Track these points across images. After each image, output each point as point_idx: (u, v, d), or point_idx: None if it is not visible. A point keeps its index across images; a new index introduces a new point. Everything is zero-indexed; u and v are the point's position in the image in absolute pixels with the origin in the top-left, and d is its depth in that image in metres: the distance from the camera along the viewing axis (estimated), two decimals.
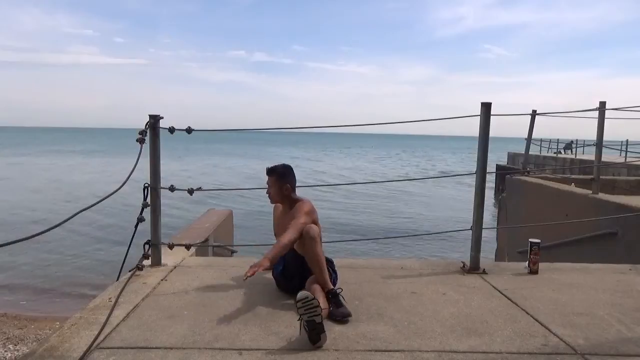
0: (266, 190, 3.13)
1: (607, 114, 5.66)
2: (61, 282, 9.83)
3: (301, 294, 2.24)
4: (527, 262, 3.63)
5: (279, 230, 3.23)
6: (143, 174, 3.39)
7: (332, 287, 2.73)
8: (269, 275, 3.24)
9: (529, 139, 7.88)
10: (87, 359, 2.06)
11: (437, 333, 2.42)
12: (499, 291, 3.14)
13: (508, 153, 28.87)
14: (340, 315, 2.54)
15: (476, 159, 3.60)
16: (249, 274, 2.45)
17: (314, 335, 2.18)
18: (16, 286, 9.48)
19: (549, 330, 2.49)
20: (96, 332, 2.29)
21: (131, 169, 3.15)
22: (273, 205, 3.29)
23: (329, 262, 3.17)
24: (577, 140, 24.92)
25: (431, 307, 2.79)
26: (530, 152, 8.78)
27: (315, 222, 2.94)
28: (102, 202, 3.00)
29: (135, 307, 2.70)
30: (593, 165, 6.22)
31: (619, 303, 2.94)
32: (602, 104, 5.62)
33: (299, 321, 2.26)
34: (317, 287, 2.67)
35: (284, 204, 3.13)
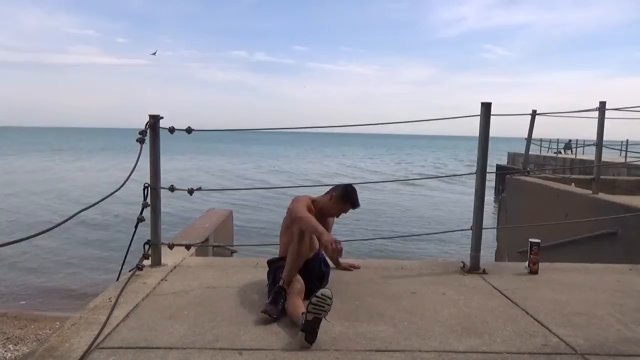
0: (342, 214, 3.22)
1: (607, 114, 5.67)
2: (61, 282, 9.83)
3: (328, 292, 2.23)
4: (527, 262, 3.63)
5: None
6: (145, 170, 3.40)
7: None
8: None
9: (529, 139, 7.89)
10: (87, 359, 2.06)
11: (437, 333, 2.41)
12: (499, 291, 3.14)
13: (508, 153, 28.86)
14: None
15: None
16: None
17: (311, 332, 2.19)
18: (17, 286, 9.49)
19: (549, 330, 2.49)
20: (96, 332, 2.29)
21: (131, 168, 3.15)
22: (294, 197, 3.19)
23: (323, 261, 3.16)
24: (577, 140, 24.93)
25: (431, 307, 2.79)
26: (530, 152, 8.79)
27: None
28: (101, 202, 2.99)
29: (135, 307, 2.70)
30: (593, 165, 6.22)
31: (619, 303, 2.94)
32: (602, 104, 5.62)
33: (303, 314, 2.24)
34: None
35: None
